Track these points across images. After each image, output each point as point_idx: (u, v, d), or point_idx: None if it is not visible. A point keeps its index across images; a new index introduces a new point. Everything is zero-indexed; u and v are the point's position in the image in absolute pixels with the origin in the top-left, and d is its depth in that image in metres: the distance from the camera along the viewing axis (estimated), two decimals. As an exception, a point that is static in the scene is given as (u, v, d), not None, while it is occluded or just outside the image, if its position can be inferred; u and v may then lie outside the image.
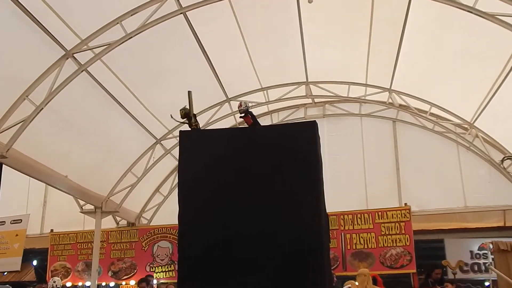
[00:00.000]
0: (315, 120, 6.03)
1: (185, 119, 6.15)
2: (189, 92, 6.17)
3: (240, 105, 6.05)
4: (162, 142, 13.83)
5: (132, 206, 14.70)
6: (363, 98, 13.64)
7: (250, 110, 6.05)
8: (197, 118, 6.21)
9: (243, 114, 6.00)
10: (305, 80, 13.42)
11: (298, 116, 14.60)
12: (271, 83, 13.54)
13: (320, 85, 13.55)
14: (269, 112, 14.73)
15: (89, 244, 14.55)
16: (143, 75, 11.48)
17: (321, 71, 12.93)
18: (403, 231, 12.63)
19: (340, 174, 13.59)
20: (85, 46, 9.71)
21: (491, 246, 10.56)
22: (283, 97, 13.78)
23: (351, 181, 13.77)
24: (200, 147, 5.92)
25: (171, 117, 6.41)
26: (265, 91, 13.72)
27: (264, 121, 14.03)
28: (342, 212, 13.09)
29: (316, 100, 14.45)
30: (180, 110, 6.21)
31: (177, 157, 6.01)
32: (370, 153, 14.03)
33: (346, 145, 14.22)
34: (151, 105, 12.50)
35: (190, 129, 6.17)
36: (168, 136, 13.78)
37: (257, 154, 5.70)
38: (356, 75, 12.98)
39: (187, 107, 6.14)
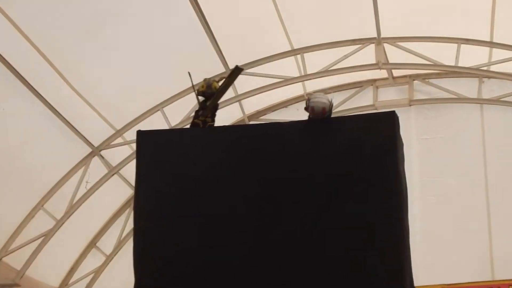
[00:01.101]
0: (393, 111, 6.71)
1: (202, 98, 7.78)
2: (237, 68, 7.99)
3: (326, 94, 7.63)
4: (103, 152, 13.95)
5: (47, 274, 14.57)
6: (485, 68, 13.64)
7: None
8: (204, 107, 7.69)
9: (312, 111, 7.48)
10: (374, 36, 13.37)
11: (360, 102, 14.57)
12: (311, 42, 13.43)
13: (403, 43, 13.40)
14: (307, 95, 14.12)
15: None
16: (71, 31, 11.62)
17: (405, 20, 12.96)
18: None
19: (442, 212, 13.65)
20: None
21: None
22: (332, 68, 13.70)
23: (463, 224, 13.66)
24: (174, 159, 6.99)
25: (190, 78, 8.04)
26: (299, 57, 13.60)
27: (296, 113, 13.69)
28: (446, 286, 13.05)
29: (395, 72, 14.33)
30: (204, 80, 7.91)
31: (133, 182, 6.46)
32: (499, 172, 13.98)
33: (453, 157, 14.12)
34: (84, 87, 12.63)
35: (193, 121, 7.69)
36: (114, 142, 13.88)
37: (282, 172, 6.78)
38: (471, 28, 12.94)
39: (214, 81, 7.87)
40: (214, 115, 8.04)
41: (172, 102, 13.71)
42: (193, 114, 13.02)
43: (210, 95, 8.05)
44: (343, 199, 6.61)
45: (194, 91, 8.27)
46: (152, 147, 7.43)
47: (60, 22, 11.53)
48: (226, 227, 7.07)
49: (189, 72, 8.16)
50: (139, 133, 7.35)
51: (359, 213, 6.52)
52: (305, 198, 6.84)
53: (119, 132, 13.81)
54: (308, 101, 7.65)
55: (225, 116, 12.91)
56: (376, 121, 6.82)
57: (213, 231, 7.12)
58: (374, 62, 13.73)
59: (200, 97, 8.22)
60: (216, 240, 7.08)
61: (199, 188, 7.22)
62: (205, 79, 8.32)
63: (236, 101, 13.98)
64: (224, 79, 8.27)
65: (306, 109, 7.61)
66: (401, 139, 6.70)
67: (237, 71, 8.20)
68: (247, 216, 7.06)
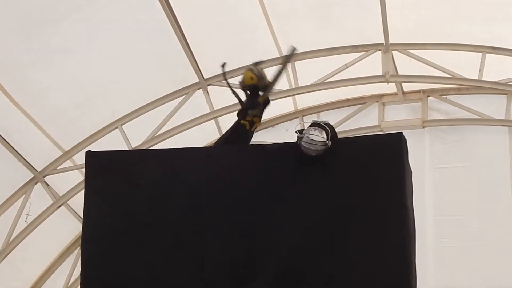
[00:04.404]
0: (400, 133, 6.71)
1: (248, 92, 7.67)
2: (293, 48, 7.88)
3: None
4: (47, 178, 13.54)
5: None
6: (520, 83, 13.18)
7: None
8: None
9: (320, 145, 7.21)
10: (381, 42, 13.05)
11: (363, 123, 14.18)
12: (303, 47, 12.83)
13: (416, 51, 13.13)
14: (299, 112, 14.52)
15: None
16: (9, 29, 11.49)
17: (418, 23, 12.73)
18: None
19: (461, 260, 13.05)
20: None
21: None
22: (329, 80, 13.39)
23: (487, 278, 12.91)
24: (132, 187, 7.05)
25: (222, 69, 8.11)
26: (289, 65, 12.96)
27: (285, 135, 13.43)
28: None
29: (406, 87, 13.99)
30: (250, 70, 7.64)
31: (81, 215, 6.83)
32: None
33: (476, 192, 13.42)
34: (25, 96, 12.37)
35: (239, 123, 7.72)
36: (61, 166, 13.48)
37: (267, 204, 6.85)
38: (498, 34, 12.46)
39: (261, 69, 7.66)
40: (263, 113, 7.76)
41: (134, 118, 13.27)
42: (158, 133, 13.42)
43: (263, 87, 7.57)
44: (341, 236, 6.58)
45: (231, 88, 7.95)
46: (105, 171, 7.19)
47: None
48: (192, 274, 6.95)
49: (224, 63, 8.03)
50: (89, 154, 7.06)
51: (356, 258, 6.52)
52: (299, 231, 6.77)
53: (67, 154, 13.33)
54: (300, 139, 7.15)
55: (198, 136, 13.40)
56: (378, 145, 6.65)
57: (178, 278, 6.96)
58: (380, 73, 13.28)
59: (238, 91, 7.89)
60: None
61: (162, 223, 7.05)
62: (249, 69, 7.87)
63: (212, 119, 13.56)
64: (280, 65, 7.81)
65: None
66: (410, 167, 6.56)
67: (292, 52, 7.81)
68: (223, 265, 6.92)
